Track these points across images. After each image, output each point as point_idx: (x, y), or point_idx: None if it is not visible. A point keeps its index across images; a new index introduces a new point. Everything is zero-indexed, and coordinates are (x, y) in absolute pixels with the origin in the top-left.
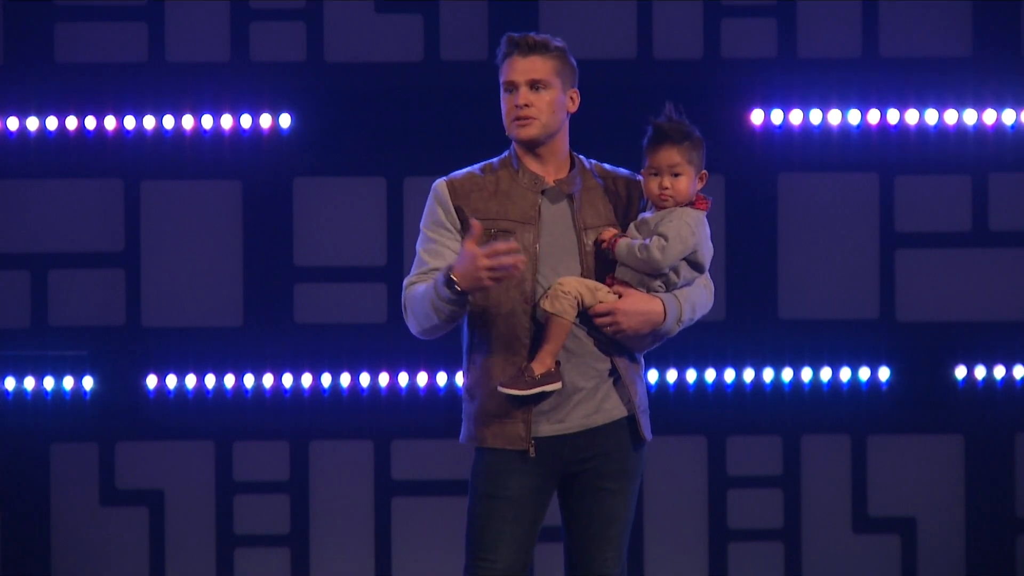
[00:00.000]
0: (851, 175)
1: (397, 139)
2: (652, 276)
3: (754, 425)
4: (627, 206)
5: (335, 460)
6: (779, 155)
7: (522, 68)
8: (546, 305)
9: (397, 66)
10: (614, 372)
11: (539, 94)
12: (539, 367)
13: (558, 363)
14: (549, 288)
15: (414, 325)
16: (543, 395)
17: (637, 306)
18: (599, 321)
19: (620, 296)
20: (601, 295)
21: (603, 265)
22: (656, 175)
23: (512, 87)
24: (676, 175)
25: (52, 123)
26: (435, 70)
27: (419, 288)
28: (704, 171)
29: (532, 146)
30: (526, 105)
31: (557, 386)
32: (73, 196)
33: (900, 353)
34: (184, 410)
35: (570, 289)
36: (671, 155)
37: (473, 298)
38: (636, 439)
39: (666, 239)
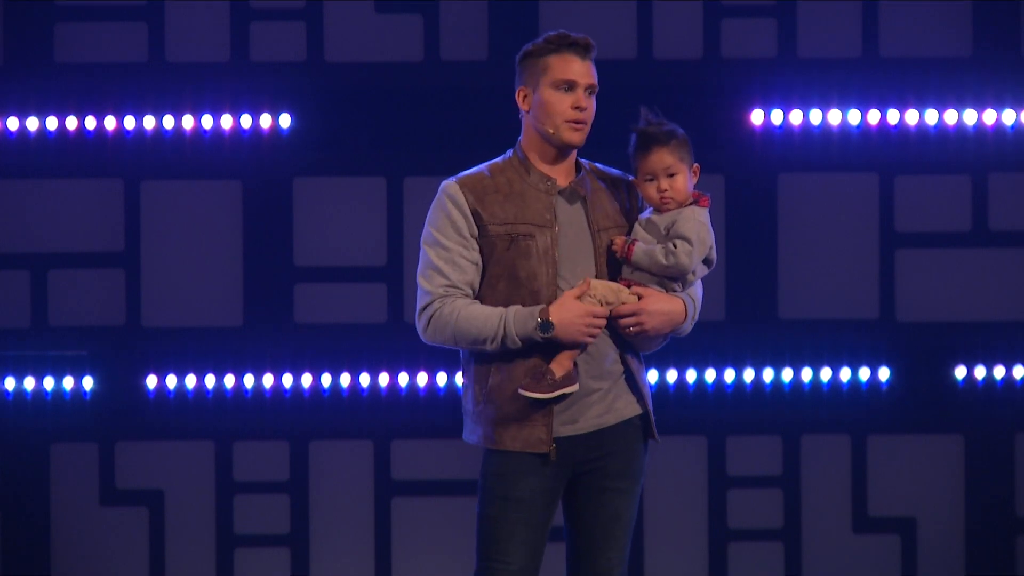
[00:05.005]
0: (851, 175)
1: (397, 139)
2: (673, 279)
3: (754, 425)
4: (628, 206)
5: (335, 460)
6: (779, 155)
7: (583, 71)
8: None
9: (397, 66)
10: (625, 372)
11: (591, 100)
12: (559, 369)
13: (575, 364)
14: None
15: (445, 338)
16: (562, 397)
17: (660, 306)
18: (623, 322)
19: (640, 297)
20: (624, 296)
21: (614, 266)
22: (652, 180)
23: (572, 87)
24: (672, 175)
25: (52, 123)
26: (435, 70)
27: (471, 310)
28: (696, 164)
29: (566, 150)
30: (585, 109)
31: (575, 388)
32: (73, 196)
33: (900, 353)
34: (184, 410)
35: (595, 291)
36: (663, 157)
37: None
38: (644, 439)
39: (690, 243)
